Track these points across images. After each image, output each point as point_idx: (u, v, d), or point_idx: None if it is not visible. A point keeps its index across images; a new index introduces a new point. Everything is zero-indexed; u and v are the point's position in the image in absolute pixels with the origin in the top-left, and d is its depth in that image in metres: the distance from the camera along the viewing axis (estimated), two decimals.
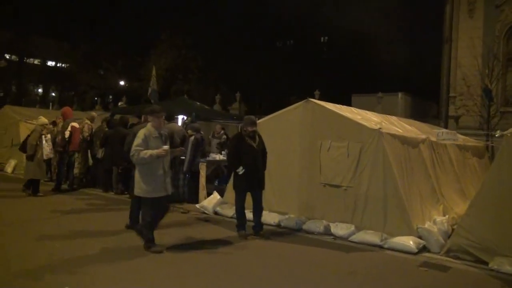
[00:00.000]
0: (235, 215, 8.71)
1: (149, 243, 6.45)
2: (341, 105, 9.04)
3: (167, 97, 27.18)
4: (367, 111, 9.81)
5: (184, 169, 10.09)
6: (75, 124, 11.37)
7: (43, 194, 10.64)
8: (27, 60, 48.81)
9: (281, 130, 8.76)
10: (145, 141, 6.18)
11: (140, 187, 6.34)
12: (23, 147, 10.94)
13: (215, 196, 9.37)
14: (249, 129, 7.54)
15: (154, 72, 22.56)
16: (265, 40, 41.15)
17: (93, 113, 13.00)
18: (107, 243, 6.80)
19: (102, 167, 11.72)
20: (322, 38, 50.03)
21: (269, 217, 8.43)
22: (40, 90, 55.63)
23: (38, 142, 10.44)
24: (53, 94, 52.17)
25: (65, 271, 5.47)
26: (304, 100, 8.53)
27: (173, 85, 33.16)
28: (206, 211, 9.20)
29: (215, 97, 28.59)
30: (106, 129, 11.91)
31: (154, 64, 25.32)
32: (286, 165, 8.59)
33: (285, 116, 8.76)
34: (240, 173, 7.42)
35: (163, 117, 6.61)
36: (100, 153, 11.58)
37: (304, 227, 8.03)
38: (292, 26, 42.30)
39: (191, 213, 9.33)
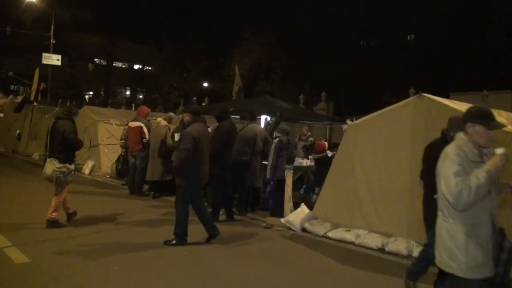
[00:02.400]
0: (328, 233, 7.35)
1: None
2: (461, 102, 7.30)
3: (249, 97, 26.23)
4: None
5: (267, 176, 8.78)
6: (131, 124, 10.52)
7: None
8: (115, 64, 50.40)
9: (386, 133, 7.19)
10: (464, 168, 3.21)
11: (454, 259, 3.28)
12: (163, 151, 10.25)
13: (304, 209, 7.94)
14: None
15: (237, 70, 21.76)
16: (349, 38, 39.24)
17: (171, 114, 12.10)
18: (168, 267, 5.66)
19: None
20: (408, 36, 47.50)
21: (369, 239, 6.91)
22: (127, 93, 57.59)
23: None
24: (140, 96, 53.66)
25: None
26: (416, 95, 6.91)
27: (255, 85, 32.22)
28: (292, 227, 7.82)
29: (298, 97, 27.34)
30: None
31: (236, 63, 24.57)
32: (392, 176, 7.00)
33: (391, 116, 7.18)
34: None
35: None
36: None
37: (416, 254, 6.41)
38: (377, 24, 40.07)
39: (274, 228, 8.01)
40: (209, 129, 9.95)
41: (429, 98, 6.74)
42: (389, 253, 6.59)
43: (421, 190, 6.66)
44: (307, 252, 6.74)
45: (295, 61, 32.82)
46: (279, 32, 32.99)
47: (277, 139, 8.83)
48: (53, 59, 31.05)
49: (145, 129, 10.37)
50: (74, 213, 7.68)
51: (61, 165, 7.13)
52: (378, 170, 7.15)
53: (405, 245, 6.50)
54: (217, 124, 8.74)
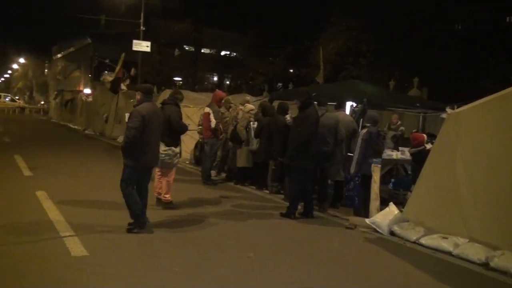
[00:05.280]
0: (421, 240, 6.39)
1: None
2: None
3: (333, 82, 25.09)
4: None
5: (352, 170, 7.87)
6: (207, 109, 10.07)
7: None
8: (203, 50, 51.06)
9: (493, 125, 6.05)
10: None
11: None
12: (235, 138, 10.33)
13: (392, 210, 6.97)
14: None
15: (321, 55, 20.67)
16: (442, 22, 36.64)
17: (247, 97, 11.49)
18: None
19: (256, 160, 10.12)
20: (507, 18, 43.63)
21: (470, 250, 5.84)
22: (215, 79, 58.41)
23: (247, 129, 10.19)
24: (228, 82, 54.15)
25: None
26: None
27: (342, 70, 30.85)
28: (378, 229, 6.89)
29: (388, 83, 25.74)
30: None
31: (323, 48, 23.52)
32: (501, 176, 5.87)
33: (502, 104, 6.00)
34: None
35: None
36: (254, 144, 9.99)
37: None
38: (471, 7, 37.04)
39: (358, 229, 7.14)
40: (288, 117, 9.24)
41: None
42: (495, 269, 5.47)
43: None
44: (394, 261, 5.83)
45: (385, 45, 30.93)
46: (369, 16, 31.25)
47: (365, 130, 7.90)
48: (143, 46, 31.71)
49: (211, 116, 9.88)
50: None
51: (167, 148, 7.43)
52: (483, 168, 6.04)
53: None
54: (301, 111, 7.82)
